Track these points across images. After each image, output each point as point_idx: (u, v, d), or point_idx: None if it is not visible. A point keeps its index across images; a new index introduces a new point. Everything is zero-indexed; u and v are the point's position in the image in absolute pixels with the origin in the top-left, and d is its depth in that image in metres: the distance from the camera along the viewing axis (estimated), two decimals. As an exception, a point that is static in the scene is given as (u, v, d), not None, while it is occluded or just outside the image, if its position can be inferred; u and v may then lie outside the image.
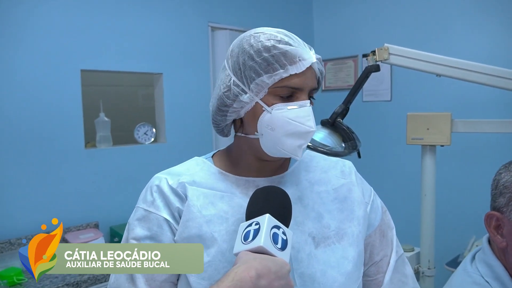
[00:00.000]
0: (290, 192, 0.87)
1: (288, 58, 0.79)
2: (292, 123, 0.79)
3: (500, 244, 0.97)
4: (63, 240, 2.21)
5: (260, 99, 0.81)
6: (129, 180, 2.45)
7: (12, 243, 2.08)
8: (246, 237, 0.71)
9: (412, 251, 1.78)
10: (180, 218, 0.82)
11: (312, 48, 0.85)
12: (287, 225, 0.75)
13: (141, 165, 2.51)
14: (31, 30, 2.13)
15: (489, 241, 1.05)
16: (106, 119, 2.47)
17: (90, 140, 2.53)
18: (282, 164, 0.92)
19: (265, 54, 0.79)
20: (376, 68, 1.54)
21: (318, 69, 0.84)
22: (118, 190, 2.43)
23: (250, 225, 0.72)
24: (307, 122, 0.79)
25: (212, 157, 0.94)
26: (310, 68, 0.81)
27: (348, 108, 1.64)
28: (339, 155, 1.57)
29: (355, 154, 1.61)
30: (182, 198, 0.83)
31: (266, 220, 0.71)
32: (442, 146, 1.64)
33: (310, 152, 0.99)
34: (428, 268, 1.71)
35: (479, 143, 2.59)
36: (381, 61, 1.53)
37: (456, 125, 1.60)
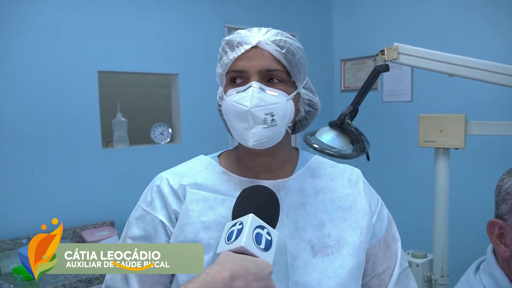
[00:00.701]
0: (294, 197, 0.87)
1: (230, 45, 0.81)
2: (234, 105, 0.79)
3: (503, 254, 0.92)
4: (79, 236, 2.27)
5: (223, 89, 0.85)
6: (144, 179, 2.44)
7: (31, 239, 2.15)
8: (229, 237, 0.70)
9: (425, 257, 1.72)
10: (176, 220, 0.82)
11: (273, 31, 0.83)
12: (273, 226, 0.74)
13: (157, 165, 2.52)
14: (49, 33, 2.19)
15: (493, 251, 1.00)
16: (123, 119, 2.51)
17: (107, 139, 2.58)
18: (287, 166, 0.90)
19: (219, 49, 0.84)
20: (385, 68, 1.50)
21: (276, 49, 0.79)
22: (134, 189, 2.44)
23: (234, 225, 0.71)
24: (244, 102, 0.78)
25: (218, 156, 0.93)
26: (258, 49, 0.80)
27: (357, 109, 1.59)
28: (347, 158, 1.53)
29: (364, 156, 1.57)
30: (181, 200, 0.83)
31: (249, 220, 0.69)
32: (456, 149, 1.57)
33: (319, 158, 0.97)
34: (441, 276, 1.65)
35: (497, 146, 2.47)
36: (390, 60, 1.48)
37: (471, 127, 1.53)
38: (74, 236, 2.27)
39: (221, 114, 0.87)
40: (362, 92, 1.56)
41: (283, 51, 0.79)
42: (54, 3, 2.20)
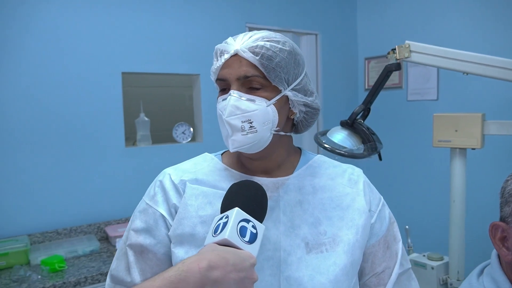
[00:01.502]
0: (292, 195, 0.89)
1: (216, 55, 0.86)
2: (218, 112, 0.84)
3: (505, 258, 0.89)
4: (103, 232, 2.36)
5: (217, 95, 0.88)
6: (166, 177, 2.55)
7: (59, 233, 2.26)
8: (215, 230, 0.72)
9: (441, 260, 1.67)
10: (176, 214, 0.86)
11: (254, 35, 0.84)
12: (260, 220, 0.76)
13: (178, 163, 2.61)
14: (75, 36, 2.29)
15: (498, 255, 0.96)
16: (146, 119, 2.59)
17: (130, 138, 2.67)
18: (286, 166, 0.92)
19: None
20: (397, 67, 1.47)
21: (252, 56, 0.80)
22: (156, 186, 2.54)
23: (221, 218, 0.74)
24: (223, 111, 0.82)
25: (222, 154, 0.97)
26: (237, 58, 0.82)
27: (369, 108, 1.57)
28: (358, 157, 1.51)
29: (376, 156, 1.55)
30: (181, 194, 0.87)
31: (234, 213, 0.72)
32: (473, 149, 1.52)
33: (321, 157, 0.98)
34: (457, 280, 1.60)
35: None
36: (401, 59, 1.45)
37: (488, 126, 1.47)
38: (99, 231, 2.36)
39: None
40: (374, 91, 1.54)
41: (258, 57, 0.81)
42: (78, 6, 2.29)
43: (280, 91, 0.84)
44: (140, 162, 2.52)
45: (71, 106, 2.29)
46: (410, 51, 1.43)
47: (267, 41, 0.82)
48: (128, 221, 2.51)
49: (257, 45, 0.81)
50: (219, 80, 0.85)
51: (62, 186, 2.28)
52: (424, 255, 1.74)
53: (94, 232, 2.35)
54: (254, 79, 0.82)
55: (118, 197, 2.45)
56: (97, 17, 2.35)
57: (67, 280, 1.82)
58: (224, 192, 0.85)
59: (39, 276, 1.84)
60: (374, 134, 1.55)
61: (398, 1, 3.11)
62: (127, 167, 2.47)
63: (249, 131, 0.81)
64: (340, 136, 1.57)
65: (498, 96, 2.51)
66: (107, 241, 2.31)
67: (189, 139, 2.72)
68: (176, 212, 0.86)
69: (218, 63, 0.85)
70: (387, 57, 1.49)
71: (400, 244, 0.96)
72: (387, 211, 0.97)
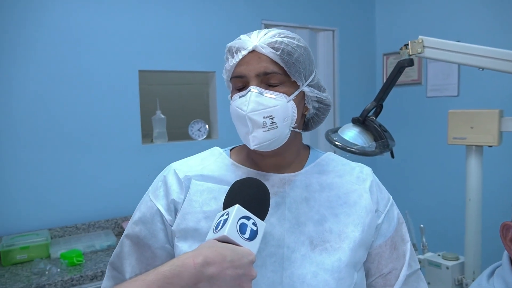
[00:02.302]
0: (298, 192, 0.89)
1: (230, 52, 0.85)
2: (236, 110, 0.82)
3: (516, 259, 0.87)
4: (120, 227, 2.41)
5: (230, 94, 0.87)
6: (182, 174, 2.58)
7: (78, 228, 2.33)
8: (217, 227, 0.73)
9: (456, 260, 1.63)
10: (175, 210, 0.87)
11: (270, 32, 0.84)
12: (262, 217, 0.76)
13: (186, 158, 2.63)
14: (91, 33, 2.34)
15: (510, 256, 0.94)
16: (162, 116, 2.62)
17: (147, 135, 2.71)
18: (296, 164, 0.92)
19: (224, 57, 0.88)
20: (409, 63, 1.43)
21: (272, 52, 0.80)
22: (172, 183, 2.57)
23: (222, 215, 0.74)
24: (243, 107, 0.80)
25: (231, 150, 0.98)
26: (255, 54, 0.81)
27: (382, 105, 1.54)
28: (369, 155, 1.49)
29: (388, 154, 1.52)
30: (183, 190, 0.88)
31: (235, 211, 0.72)
32: (490, 146, 1.48)
33: (330, 155, 0.98)
34: (473, 280, 1.56)
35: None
36: (414, 54, 1.42)
37: (506, 123, 1.43)
38: (116, 226, 2.41)
39: None
40: (386, 88, 1.51)
41: (278, 52, 0.80)
42: (94, 3, 2.33)
43: (297, 87, 0.84)
44: (157, 159, 2.55)
45: (89, 104, 2.34)
46: (424, 46, 1.40)
47: (284, 37, 0.83)
48: (144, 217, 2.55)
49: (276, 41, 0.82)
50: (236, 77, 0.84)
51: (81, 183, 2.34)
52: (439, 255, 1.70)
53: (111, 228, 2.40)
54: (273, 75, 0.82)
55: (135, 193, 2.45)
56: (113, 15, 2.39)
57: (84, 274, 1.87)
58: (229, 187, 0.86)
59: (58, 270, 1.90)
60: (386, 131, 1.52)
61: (417, -4, 3.04)
62: (144, 164, 2.51)
63: (270, 127, 0.80)
64: (351, 134, 1.55)
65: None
66: (124, 236, 2.36)
67: (205, 136, 2.74)
68: (174, 208, 0.87)
69: (234, 60, 0.83)
70: (399, 53, 1.46)
71: (409, 245, 0.94)
72: (395, 211, 0.95)
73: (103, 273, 1.91)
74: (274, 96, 0.81)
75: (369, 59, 3.39)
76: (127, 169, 2.46)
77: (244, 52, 0.82)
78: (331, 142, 1.52)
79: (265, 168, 0.90)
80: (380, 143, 1.51)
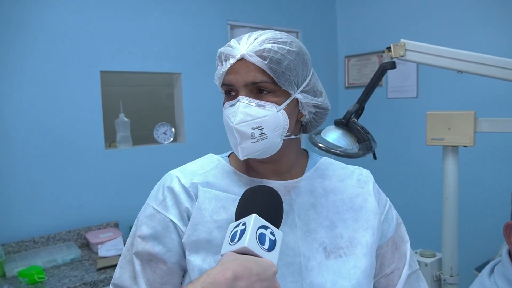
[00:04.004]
0: (305, 198, 0.87)
1: (221, 59, 0.82)
2: (226, 119, 0.81)
3: (519, 257, 0.90)
4: (83, 238, 2.26)
5: (223, 100, 0.85)
6: (148, 180, 2.45)
7: (36, 242, 2.14)
8: (233, 238, 0.69)
9: (434, 256, 1.69)
10: (189, 219, 0.82)
11: (259, 37, 0.80)
12: (277, 226, 0.73)
13: (161, 165, 2.53)
14: (51, 33, 2.18)
15: (509, 253, 0.97)
16: (125, 119, 2.50)
17: (110, 140, 2.57)
18: (296, 169, 0.90)
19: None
20: (392, 66, 1.46)
21: (260, 61, 0.77)
22: (137, 190, 2.46)
23: (237, 225, 0.71)
24: (231, 117, 0.79)
25: (228, 156, 0.94)
26: (243, 62, 0.78)
27: (363, 107, 1.56)
28: (353, 157, 1.50)
29: (370, 155, 1.54)
30: (193, 198, 0.83)
31: (252, 220, 0.69)
32: (465, 147, 1.54)
33: (327, 159, 0.97)
34: (451, 276, 1.62)
35: (506, 143, 2.44)
36: (397, 57, 1.45)
37: (480, 124, 1.50)
38: (79, 238, 2.26)
39: None
40: (368, 90, 1.53)
41: (266, 61, 0.77)
42: (55, 4, 2.18)
43: (290, 95, 0.81)
44: (121, 164, 2.43)
45: (47, 108, 2.17)
46: (406, 49, 1.43)
47: (274, 43, 0.79)
48: (110, 226, 2.42)
49: (264, 48, 0.78)
50: (225, 85, 0.82)
51: (38, 191, 2.16)
52: (416, 252, 1.75)
53: (73, 239, 2.24)
54: (263, 84, 0.78)
55: (99, 201, 2.35)
56: (73, 13, 2.24)
57: (49, 292, 1.72)
58: (236, 197, 0.82)
59: (17, 289, 1.73)
60: (368, 133, 1.54)
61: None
62: (107, 170, 2.37)
63: (259, 138, 0.78)
64: (334, 136, 1.55)
65: (478, 93, 2.58)
66: (88, 248, 2.21)
67: (171, 139, 2.64)
68: (188, 217, 0.81)
69: (223, 68, 0.81)
70: (382, 56, 1.48)
71: (408, 245, 0.97)
72: (394, 212, 0.97)
73: (69, 289, 1.77)
74: (263, 106, 0.78)
75: (331, 61, 3.45)
76: (90, 175, 2.31)
77: (232, 61, 0.79)
78: (315, 144, 1.51)
79: (265, 174, 0.88)
80: (363, 145, 1.52)
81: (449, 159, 1.57)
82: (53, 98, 2.19)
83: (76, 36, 2.25)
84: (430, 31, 2.79)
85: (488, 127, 1.48)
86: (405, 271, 0.92)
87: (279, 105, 0.79)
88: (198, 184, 0.84)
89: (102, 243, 2.12)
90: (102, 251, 2.06)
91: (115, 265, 1.92)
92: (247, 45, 0.79)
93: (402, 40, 1.44)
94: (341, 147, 1.52)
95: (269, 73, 0.77)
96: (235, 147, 0.80)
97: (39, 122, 2.15)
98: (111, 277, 1.88)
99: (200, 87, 2.70)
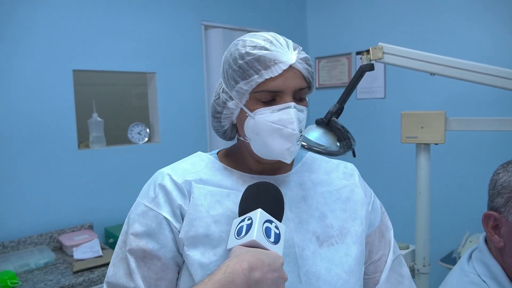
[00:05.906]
0: (295, 191, 0.91)
1: (262, 63, 0.79)
2: (275, 126, 0.80)
3: (497, 244, 0.98)
4: (57, 241, 2.19)
5: (244, 105, 0.83)
6: (123, 180, 2.44)
7: (5, 246, 2.06)
8: (239, 232, 0.72)
9: (407, 248, 1.79)
10: (182, 216, 0.83)
11: (298, 47, 0.84)
12: (279, 220, 0.77)
13: (135, 166, 2.50)
14: (21, 31, 2.10)
15: (485, 240, 1.05)
16: (99, 119, 2.44)
17: (83, 140, 2.50)
18: (285, 164, 0.93)
19: (240, 62, 0.80)
20: (370, 68, 1.54)
21: (306, 68, 0.83)
22: (112, 191, 2.42)
23: (243, 220, 0.74)
24: (289, 125, 0.80)
25: (217, 154, 0.96)
26: (291, 69, 0.80)
27: (343, 107, 1.63)
28: (334, 155, 1.56)
29: (350, 153, 1.61)
30: (185, 195, 0.84)
31: (258, 215, 0.72)
32: (436, 144, 1.65)
33: (313, 154, 1.01)
34: (423, 266, 1.72)
35: (474, 141, 2.61)
36: (375, 60, 1.53)
37: (450, 123, 1.60)
38: (52, 241, 2.19)
39: (217, 112, 0.88)
40: (348, 91, 1.60)
41: (311, 69, 0.84)
42: (27, 2, 2.11)
43: (306, 99, 0.87)
44: (94, 165, 2.37)
45: (18, 107, 2.10)
46: (383, 52, 1.50)
47: (302, 50, 0.85)
48: (84, 228, 2.36)
49: (306, 57, 0.84)
50: (268, 91, 0.80)
51: (8, 193, 2.08)
52: (391, 245, 1.84)
53: (46, 243, 2.17)
54: (305, 91, 0.84)
55: (72, 203, 2.29)
56: (44, 10, 2.17)
57: (25, 297, 1.66)
58: (229, 191, 0.86)
59: (-9, 294, 1.66)
60: (348, 132, 1.61)
61: (347, 1, 3.24)
62: (81, 171, 2.32)
63: (300, 139, 0.84)
64: (316, 134, 1.61)
65: (444, 94, 2.73)
66: (61, 251, 2.15)
67: (146, 139, 2.61)
68: (181, 214, 0.83)
69: (269, 73, 0.78)
70: (361, 58, 1.55)
71: (392, 233, 1.02)
72: (378, 202, 1.03)
73: (46, 294, 1.72)
74: (304, 111, 0.84)
75: (301, 62, 3.52)
76: (62, 176, 2.25)
77: (283, 66, 0.79)
78: (297, 143, 1.56)
79: (256, 170, 0.91)
80: (343, 143, 1.59)
81: (421, 156, 1.67)
82: (25, 97, 2.11)
83: (49, 34, 2.18)
84: (397, 35, 2.92)
85: (457, 126, 1.59)
86: (390, 257, 0.97)
87: (307, 107, 0.86)
88: (192, 181, 0.85)
89: (77, 245, 2.07)
90: (78, 253, 2.01)
91: (93, 268, 1.90)
92: (293, 51, 0.82)
93: (380, 44, 1.51)
94: (322, 145, 1.58)
95: (309, 79, 0.84)
96: (286, 152, 0.81)
97: (10, 122, 2.07)
98: (89, 279, 1.85)
99: (175, 87, 2.69)
